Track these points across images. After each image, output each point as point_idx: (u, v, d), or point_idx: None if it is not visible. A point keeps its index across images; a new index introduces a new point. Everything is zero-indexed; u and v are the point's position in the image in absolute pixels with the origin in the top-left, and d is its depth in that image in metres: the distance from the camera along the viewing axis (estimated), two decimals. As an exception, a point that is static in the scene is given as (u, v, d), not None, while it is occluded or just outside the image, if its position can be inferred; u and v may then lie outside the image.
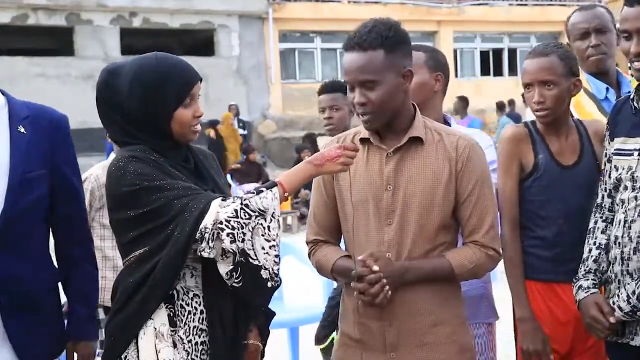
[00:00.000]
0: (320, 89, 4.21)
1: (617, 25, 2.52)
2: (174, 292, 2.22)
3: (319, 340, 4.49)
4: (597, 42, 3.21)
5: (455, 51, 22.96)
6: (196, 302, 2.25)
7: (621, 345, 2.50)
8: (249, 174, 13.99)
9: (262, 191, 2.18)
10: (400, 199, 2.35)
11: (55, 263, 2.55)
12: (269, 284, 2.17)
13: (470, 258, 2.38)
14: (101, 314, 3.79)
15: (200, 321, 2.24)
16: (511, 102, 15.87)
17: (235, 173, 14.30)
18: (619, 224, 2.48)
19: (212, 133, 14.28)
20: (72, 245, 2.52)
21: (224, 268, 2.14)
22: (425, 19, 21.54)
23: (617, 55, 3.18)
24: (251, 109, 20.03)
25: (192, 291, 2.25)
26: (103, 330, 3.85)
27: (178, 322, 2.21)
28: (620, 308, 2.44)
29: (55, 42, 19.69)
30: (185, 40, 20.79)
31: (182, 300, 2.23)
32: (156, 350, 2.17)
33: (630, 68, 2.46)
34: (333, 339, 4.21)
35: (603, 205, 2.62)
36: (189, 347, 2.21)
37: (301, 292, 6.01)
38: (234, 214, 2.12)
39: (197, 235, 2.11)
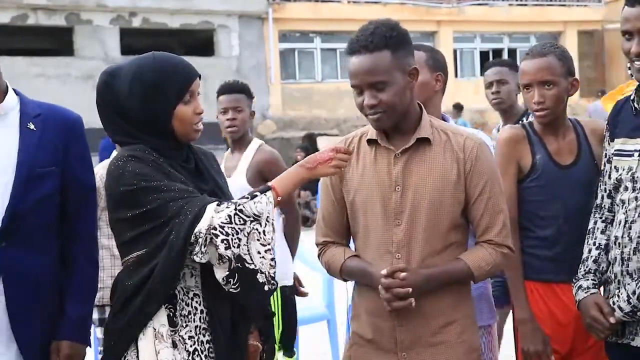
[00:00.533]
0: (221, 90, 3.95)
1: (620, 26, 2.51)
2: (175, 291, 2.21)
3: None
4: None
5: (455, 51, 22.94)
6: (196, 301, 2.25)
7: (621, 346, 2.50)
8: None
9: (256, 195, 2.18)
10: (409, 200, 2.36)
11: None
12: (266, 288, 2.18)
13: (487, 259, 2.39)
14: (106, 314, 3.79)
15: (202, 320, 2.24)
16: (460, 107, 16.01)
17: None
18: (619, 224, 2.48)
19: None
20: (76, 245, 2.51)
21: (220, 273, 2.15)
22: (425, 19, 21.52)
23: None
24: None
25: (192, 291, 2.25)
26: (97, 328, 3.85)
27: (178, 322, 2.21)
28: (620, 308, 2.44)
29: (55, 42, 19.68)
30: (185, 40, 20.78)
31: (183, 300, 2.23)
32: (155, 351, 2.17)
33: (629, 68, 2.46)
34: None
35: (603, 205, 2.62)
36: (192, 347, 2.20)
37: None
38: (228, 219, 2.12)
39: (192, 239, 2.12)
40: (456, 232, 2.41)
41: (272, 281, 2.19)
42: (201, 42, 20.41)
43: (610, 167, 2.56)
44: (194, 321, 2.23)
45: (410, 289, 2.27)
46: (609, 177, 2.57)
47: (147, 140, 2.26)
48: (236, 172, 3.96)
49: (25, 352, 2.37)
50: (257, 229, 2.15)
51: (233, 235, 2.11)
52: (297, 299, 4.18)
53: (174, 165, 2.27)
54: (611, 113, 2.64)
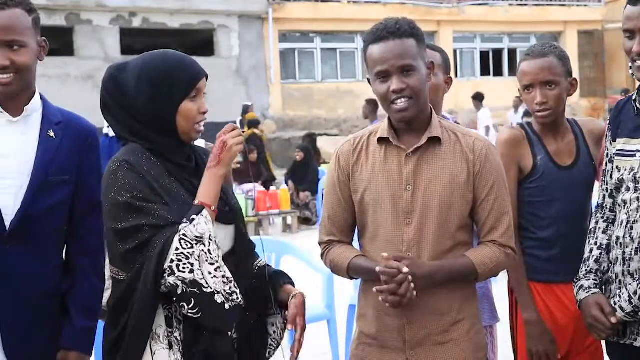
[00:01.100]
0: None
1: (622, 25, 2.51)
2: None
3: None
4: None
5: (455, 51, 22.95)
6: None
7: (622, 346, 2.50)
8: (248, 174, 13.98)
9: (193, 219, 2.14)
10: (420, 199, 2.36)
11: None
12: (227, 306, 2.15)
13: (491, 257, 2.39)
14: None
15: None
16: None
17: (235, 173, 14.28)
18: (621, 224, 2.48)
19: (256, 132, 14.19)
20: (83, 256, 2.49)
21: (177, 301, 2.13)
22: (425, 19, 21.53)
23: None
24: (251, 109, 20.04)
25: None
26: None
27: (175, 323, 2.20)
28: (621, 308, 2.44)
29: (55, 42, 19.66)
30: (185, 40, 20.79)
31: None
32: (152, 353, 2.17)
33: (631, 67, 2.45)
34: None
35: (604, 205, 2.62)
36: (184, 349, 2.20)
37: (301, 292, 6.04)
38: (177, 247, 2.10)
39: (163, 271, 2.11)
40: (464, 231, 2.42)
41: (232, 297, 2.16)
42: (201, 42, 20.42)
43: (612, 167, 2.56)
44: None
45: (412, 279, 2.26)
46: (611, 177, 2.57)
47: (149, 138, 2.25)
48: None
49: (10, 357, 2.34)
50: (203, 250, 2.12)
51: (181, 261, 2.09)
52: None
53: (175, 163, 2.26)
54: (613, 113, 2.63)
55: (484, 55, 24.32)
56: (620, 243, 2.47)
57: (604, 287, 2.58)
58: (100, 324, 2.45)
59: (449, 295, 2.38)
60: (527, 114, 13.53)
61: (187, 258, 2.09)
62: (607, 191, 2.61)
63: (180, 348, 2.18)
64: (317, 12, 21.26)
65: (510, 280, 2.87)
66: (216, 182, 2.24)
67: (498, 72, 24.26)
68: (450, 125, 2.48)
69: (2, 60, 2.29)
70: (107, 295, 2.40)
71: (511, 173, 2.77)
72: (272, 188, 12.50)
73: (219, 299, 2.13)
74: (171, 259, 2.08)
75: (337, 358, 4.85)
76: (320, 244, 2.57)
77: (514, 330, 2.91)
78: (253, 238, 2.51)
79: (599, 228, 2.61)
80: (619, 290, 2.47)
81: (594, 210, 2.67)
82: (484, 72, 24.17)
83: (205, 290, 2.11)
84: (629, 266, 2.44)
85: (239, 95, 19.67)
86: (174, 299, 2.12)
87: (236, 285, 2.19)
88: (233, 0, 20.03)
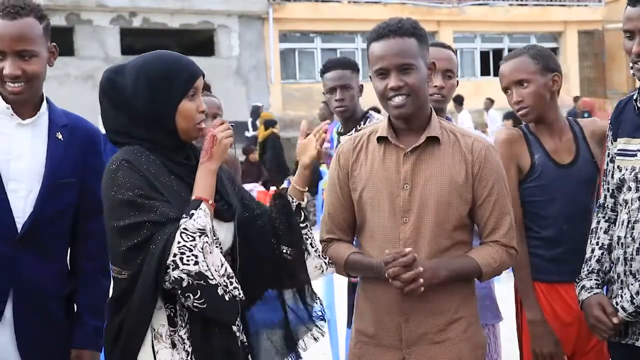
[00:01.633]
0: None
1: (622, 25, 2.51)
2: (176, 292, 2.20)
3: None
4: None
5: (455, 51, 22.90)
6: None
7: (624, 346, 2.50)
8: (249, 174, 13.98)
9: (192, 214, 2.14)
10: (417, 198, 2.37)
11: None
12: (227, 297, 2.15)
13: (494, 257, 2.40)
14: None
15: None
16: None
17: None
18: (622, 224, 2.48)
19: (275, 132, 14.17)
20: (89, 259, 2.52)
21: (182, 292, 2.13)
22: (425, 19, 21.50)
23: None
24: (250, 108, 20.04)
25: None
26: None
27: (178, 322, 2.20)
28: (623, 308, 2.43)
29: (55, 42, 19.64)
30: (185, 40, 20.78)
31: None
32: (154, 352, 2.16)
33: (632, 68, 2.45)
34: None
35: (606, 205, 2.62)
36: (190, 347, 2.19)
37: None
38: (178, 240, 2.10)
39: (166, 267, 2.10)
40: (462, 231, 2.42)
41: (229, 289, 2.16)
42: (201, 42, 20.41)
43: (613, 167, 2.56)
44: (197, 321, 2.22)
45: (421, 268, 2.25)
46: (612, 177, 2.57)
47: (148, 139, 2.24)
48: None
49: (25, 358, 2.38)
50: (207, 242, 2.13)
51: (184, 254, 2.09)
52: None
53: (175, 161, 2.25)
54: (613, 112, 2.64)
55: (484, 55, 24.31)
56: (622, 243, 2.47)
57: (605, 287, 2.58)
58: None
59: (446, 295, 2.39)
60: (507, 116, 13.47)
61: (191, 250, 2.09)
62: (608, 191, 2.61)
63: (187, 347, 2.18)
64: (317, 12, 21.25)
65: (515, 280, 2.87)
66: (210, 176, 2.25)
67: (498, 72, 24.21)
68: (450, 126, 2.49)
69: (14, 70, 2.31)
70: None
71: (511, 172, 2.78)
72: (273, 188, 12.49)
73: (220, 291, 2.13)
74: (174, 254, 2.08)
75: (337, 358, 4.85)
76: (320, 241, 2.59)
77: (520, 331, 2.90)
78: None
79: (601, 228, 2.61)
80: (620, 290, 2.47)
81: (595, 209, 2.67)
82: (484, 72, 24.16)
83: (210, 282, 2.11)
84: (631, 266, 2.44)
85: (239, 96, 19.67)
86: (179, 291, 2.12)
87: (237, 281, 2.19)
88: (233, 0, 20.03)
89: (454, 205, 2.38)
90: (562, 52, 24.33)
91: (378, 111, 5.14)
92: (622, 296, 2.45)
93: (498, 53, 24.38)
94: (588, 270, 2.60)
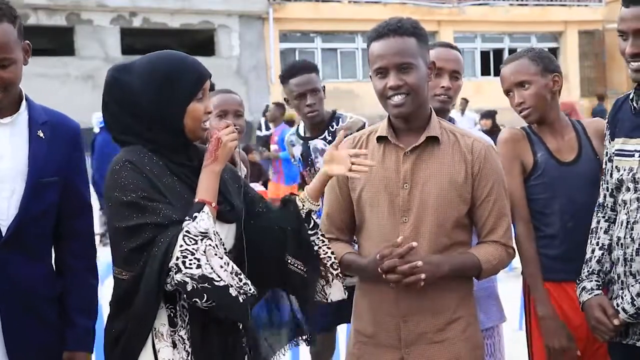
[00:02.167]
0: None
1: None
2: (176, 293, 2.20)
3: None
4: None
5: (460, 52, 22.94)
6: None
7: (624, 346, 2.50)
8: (249, 174, 13.97)
9: (195, 216, 2.14)
10: (417, 198, 2.37)
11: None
12: (240, 299, 2.14)
13: (494, 254, 2.41)
14: None
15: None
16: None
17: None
18: (621, 225, 2.48)
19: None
20: (76, 258, 2.48)
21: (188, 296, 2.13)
22: (426, 19, 21.50)
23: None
24: (251, 109, 20.03)
25: None
26: None
27: (178, 322, 2.19)
28: (624, 310, 2.43)
29: (56, 42, 19.69)
30: (185, 40, 20.80)
31: (184, 299, 2.21)
32: (155, 350, 2.16)
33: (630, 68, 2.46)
34: None
35: (605, 204, 2.62)
36: (191, 347, 2.19)
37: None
38: (181, 244, 2.09)
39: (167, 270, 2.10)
40: (461, 231, 2.43)
41: (244, 289, 2.16)
42: (201, 42, 20.42)
43: (612, 167, 2.56)
44: (197, 322, 2.22)
45: (420, 262, 2.25)
46: (611, 176, 2.57)
47: (150, 139, 2.24)
48: None
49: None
50: (210, 245, 2.12)
51: (187, 257, 2.08)
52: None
53: (174, 166, 2.25)
54: (611, 111, 2.65)
55: (484, 55, 24.32)
56: (621, 244, 2.47)
57: (607, 287, 2.58)
58: (100, 323, 2.45)
59: (445, 295, 2.39)
60: (485, 115, 13.40)
61: (193, 254, 2.09)
62: (607, 190, 2.61)
63: (187, 347, 2.18)
64: (317, 12, 21.26)
65: (525, 277, 2.87)
66: (213, 178, 2.24)
67: (499, 72, 24.11)
68: (450, 126, 2.49)
69: None
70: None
71: (515, 171, 2.79)
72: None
73: (233, 292, 2.13)
74: (177, 257, 2.08)
75: (337, 358, 4.84)
76: None
77: (528, 330, 2.90)
78: None
79: (601, 228, 2.61)
80: (621, 292, 2.47)
81: (595, 209, 2.67)
82: (485, 72, 24.17)
83: (217, 283, 2.10)
84: (631, 267, 2.44)
85: (240, 95, 19.66)
86: (185, 295, 2.12)
87: (246, 277, 2.18)
88: (233, 0, 20.03)
89: (453, 205, 2.38)
90: (563, 52, 24.34)
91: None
92: (622, 297, 2.45)
93: (498, 53, 24.39)
94: (588, 271, 2.60)
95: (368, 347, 2.46)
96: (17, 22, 2.31)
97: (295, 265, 2.38)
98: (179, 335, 2.19)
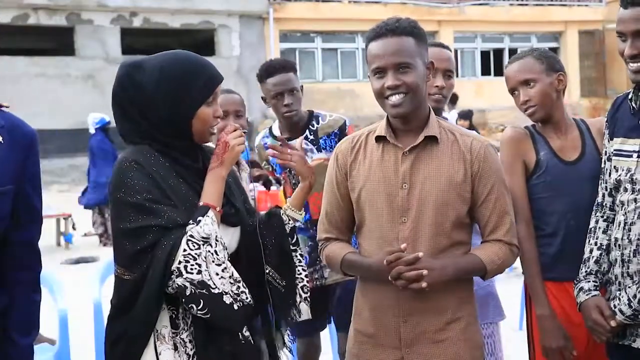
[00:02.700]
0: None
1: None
2: (179, 299, 2.19)
3: None
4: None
5: (455, 51, 22.93)
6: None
7: (622, 347, 2.50)
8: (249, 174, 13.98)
9: (199, 220, 2.14)
10: (416, 198, 2.37)
11: None
12: (235, 306, 2.14)
13: (498, 254, 2.40)
14: None
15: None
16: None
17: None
18: (619, 225, 2.48)
19: None
20: (21, 271, 2.30)
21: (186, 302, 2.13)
22: (426, 18, 21.52)
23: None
24: (251, 108, 20.04)
25: None
26: None
27: (180, 325, 2.20)
28: (621, 312, 2.44)
29: (56, 42, 19.70)
30: (185, 40, 20.79)
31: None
32: (156, 353, 2.16)
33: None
34: None
35: (604, 204, 2.62)
36: (192, 350, 2.19)
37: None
38: (184, 248, 2.10)
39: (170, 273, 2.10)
40: (461, 231, 2.42)
41: (240, 297, 2.16)
42: (202, 42, 20.42)
43: (610, 166, 2.56)
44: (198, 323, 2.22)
45: (425, 272, 2.25)
46: (609, 176, 2.57)
47: (158, 139, 2.23)
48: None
49: None
50: (210, 251, 2.12)
51: (189, 262, 2.09)
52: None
53: (179, 168, 2.24)
54: (610, 110, 2.65)
55: (484, 55, 24.32)
56: (619, 244, 2.47)
57: (605, 287, 2.58)
58: (99, 323, 2.40)
59: (445, 295, 2.38)
60: (462, 115, 13.38)
61: (195, 259, 2.09)
62: (606, 189, 2.61)
63: (188, 350, 2.18)
64: (317, 12, 21.26)
65: (524, 276, 2.87)
66: (219, 182, 2.24)
67: (499, 72, 24.22)
68: (448, 126, 2.49)
69: None
70: None
71: (517, 170, 2.80)
72: (273, 188, 12.48)
73: (227, 299, 2.13)
74: (179, 261, 2.08)
75: (337, 358, 4.84)
76: (318, 240, 2.60)
77: (529, 329, 2.90)
78: None
79: (599, 228, 2.61)
80: (618, 292, 2.47)
81: (594, 208, 2.67)
82: (485, 71, 24.17)
83: (213, 291, 2.10)
84: (628, 268, 2.44)
85: (240, 95, 19.67)
86: (183, 300, 2.12)
87: (244, 285, 2.19)
88: (233, 0, 20.04)
89: (452, 205, 2.37)
90: (563, 51, 24.34)
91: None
92: (620, 299, 2.45)
93: (499, 53, 24.40)
94: (586, 271, 2.60)
95: (368, 346, 2.46)
96: None
97: (274, 278, 2.44)
98: (181, 338, 2.19)
